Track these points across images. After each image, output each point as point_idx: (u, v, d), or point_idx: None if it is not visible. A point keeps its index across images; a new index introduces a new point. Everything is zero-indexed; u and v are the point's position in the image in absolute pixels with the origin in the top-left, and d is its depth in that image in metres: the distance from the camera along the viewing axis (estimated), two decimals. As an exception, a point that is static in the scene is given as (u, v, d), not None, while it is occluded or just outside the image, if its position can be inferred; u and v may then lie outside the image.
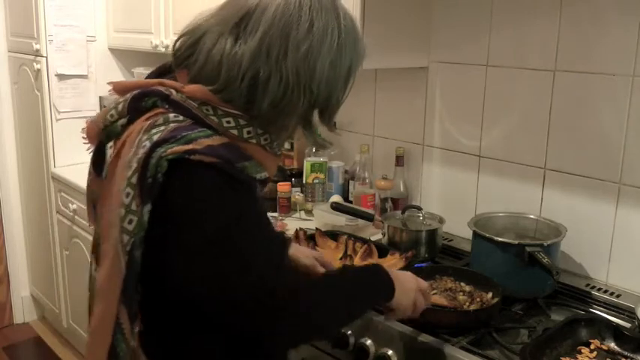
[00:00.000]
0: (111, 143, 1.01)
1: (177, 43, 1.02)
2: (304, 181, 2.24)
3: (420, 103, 2.05)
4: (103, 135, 1.02)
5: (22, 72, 2.96)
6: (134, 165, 0.90)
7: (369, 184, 2.12)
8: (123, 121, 0.99)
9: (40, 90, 2.82)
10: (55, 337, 3.21)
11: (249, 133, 0.96)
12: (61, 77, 2.82)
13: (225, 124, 0.95)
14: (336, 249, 1.73)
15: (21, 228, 3.30)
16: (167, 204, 0.90)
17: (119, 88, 1.04)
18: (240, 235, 0.91)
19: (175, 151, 0.88)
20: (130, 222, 0.90)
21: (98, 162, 1.04)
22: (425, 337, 1.32)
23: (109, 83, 1.07)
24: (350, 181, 2.25)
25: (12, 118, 3.15)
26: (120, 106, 1.00)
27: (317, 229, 1.84)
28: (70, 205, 2.75)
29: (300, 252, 1.39)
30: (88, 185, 1.09)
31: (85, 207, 2.67)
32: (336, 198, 2.17)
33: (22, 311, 3.36)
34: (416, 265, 1.63)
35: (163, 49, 2.53)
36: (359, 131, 2.30)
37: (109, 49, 2.96)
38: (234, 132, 0.95)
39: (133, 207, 0.89)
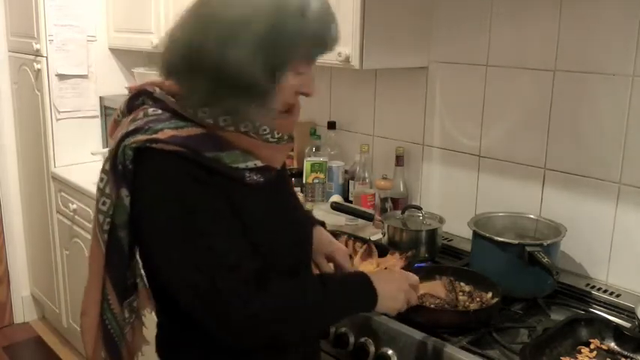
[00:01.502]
0: None
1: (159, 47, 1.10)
2: (304, 181, 2.24)
3: (420, 103, 2.05)
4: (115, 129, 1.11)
5: (22, 72, 2.96)
6: (107, 154, 1.01)
7: (369, 184, 2.12)
8: (125, 119, 1.07)
9: (40, 90, 2.82)
10: (55, 336, 3.21)
11: (225, 121, 0.99)
12: (62, 77, 2.82)
13: (201, 114, 0.99)
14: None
15: (21, 228, 3.30)
16: (137, 190, 0.99)
17: (132, 89, 1.11)
18: (192, 229, 0.94)
19: (138, 140, 0.96)
20: (104, 204, 1.01)
21: None
22: (425, 337, 1.32)
23: (126, 87, 1.16)
24: (350, 181, 2.25)
25: (12, 118, 3.15)
26: (122, 106, 1.09)
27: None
28: (70, 205, 2.75)
29: (317, 245, 1.30)
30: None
31: (85, 206, 2.67)
32: (336, 198, 2.17)
33: (23, 311, 3.36)
34: (416, 265, 1.63)
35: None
36: (359, 131, 2.30)
37: (110, 49, 2.96)
38: (210, 121, 0.99)
39: (107, 191, 1.00)
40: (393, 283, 1.15)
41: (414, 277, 1.21)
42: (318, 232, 1.31)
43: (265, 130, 1.02)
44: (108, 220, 1.01)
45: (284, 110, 1.04)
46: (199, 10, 0.98)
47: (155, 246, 0.99)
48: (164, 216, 0.96)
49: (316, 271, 1.33)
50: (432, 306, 1.40)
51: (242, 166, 1.00)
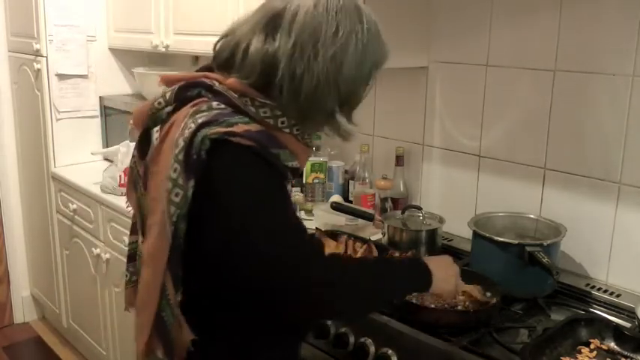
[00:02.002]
0: (157, 128, 1.10)
1: (217, 46, 1.12)
2: (304, 181, 2.24)
3: (420, 103, 2.05)
4: (150, 121, 1.11)
5: (22, 72, 2.96)
6: (181, 144, 0.99)
7: (369, 184, 2.12)
8: (169, 108, 1.08)
9: (40, 90, 2.83)
10: (55, 336, 3.21)
11: (282, 123, 1.06)
12: (61, 77, 2.82)
13: (262, 114, 1.04)
14: (336, 249, 1.73)
15: (21, 228, 3.30)
16: (208, 181, 0.98)
17: (167, 80, 1.13)
18: (271, 212, 0.99)
19: (217, 131, 0.98)
20: (177, 195, 0.99)
21: (143, 145, 1.13)
22: (425, 337, 1.32)
23: (159, 75, 1.17)
24: (350, 181, 2.25)
25: (12, 118, 3.16)
26: (167, 95, 1.09)
27: (317, 228, 1.84)
28: (70, 204, 2.75)
29: None
30: (132, 167, 1.18)
31: (85, 207, 2.68)
32: (336, 198, 2.17)
33: (23, 311, 3.37)
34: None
35: (163, 49, 2.53)
36: (359, 131, 2.29)
37: (109, 49, 2.96)
38: (270, 121, 1.05)
39: (180, 181, 0.99)
40: (444, 267, 1.22)
41: (457, 266, 1.28)
42: None
43: (309, 135, 1.12)
44: (178, 212, 0.99)
45: None
46: (304, 39, 1.03)
47: (225, 228, 0.99)
48: (235, 199, 0.98)
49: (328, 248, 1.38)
50: (433, 306, 1.40)
51: (289, 165, 1.05)
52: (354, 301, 1.06)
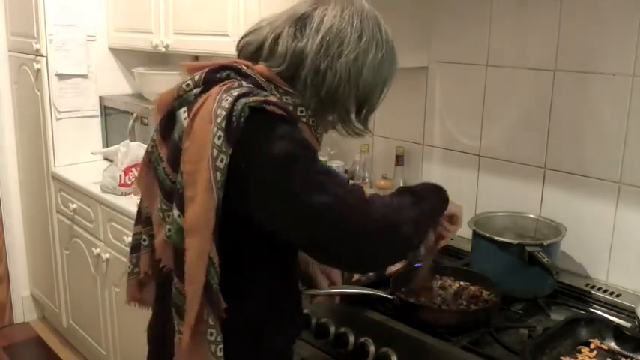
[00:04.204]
0: (184, 109, 1.11)
1: (243, 42, 1.17)
2: (304, 181, 2.24)
3: (420, 103, 2.05)
4: (177, 103, 1.13)
5: (22, 72, 2.96)
6: (222, 113, 1.02)
7: (369, 184, 2.12)
8: (197, 90, 1.11)
9: (40, 89, 2.83)
10: (55, 336, 3.21)
11: (301, 112, 1.11)
12: (61, 77, 2.82)
13: (284, 100, 1.10)
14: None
15: (21, 228, 3.30)
16: (246, 147, 1.01)
17: (190, 68, 1.17)
18: (310, 162, 1.04)
19: (257, 99, 1.02)
20: (222, 160, 1.01)
21: (168, 127, 1.15)
22: (425, 337, 1.32)
23: (181, 64, 1.21)
24: (350, 181, 2.25)
25: (12, 117, 3.16)
26: (196, 77, 1.12)
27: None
28: (70, 204, 2.75)
29: None
30: (150, 152, 1.20)
31: (85, 206, 2.67)
32: (336, 198, 2.17)
33: (23, 311, 3.37)
34: (416, 265, 1.63)
35: (163, 49, 2.53)
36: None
37: (109, 48, 2.96)
38: (290, 108, 1.10)
39: (224, 148, 1.01)
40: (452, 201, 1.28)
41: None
42: None
43: (321, 129, 1.16)
44: (223, 178, 1.01)
45: None
46: (331, 38, 1.10)
47: (273, 188, 1.01)
48: (279, 157, 1.01)
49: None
50: (434, 305, 1.41)
51: None
52: (417, 228, 1.12)
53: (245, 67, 1.12)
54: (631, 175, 1.57)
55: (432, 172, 2.06)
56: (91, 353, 2.88)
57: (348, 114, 1.17)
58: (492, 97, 1.85)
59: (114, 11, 2.87)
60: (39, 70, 2.78)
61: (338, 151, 2.32)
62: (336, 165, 2.26)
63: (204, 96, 1.07)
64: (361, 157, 2.15)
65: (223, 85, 1.07)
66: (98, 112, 2.98)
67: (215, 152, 1.01)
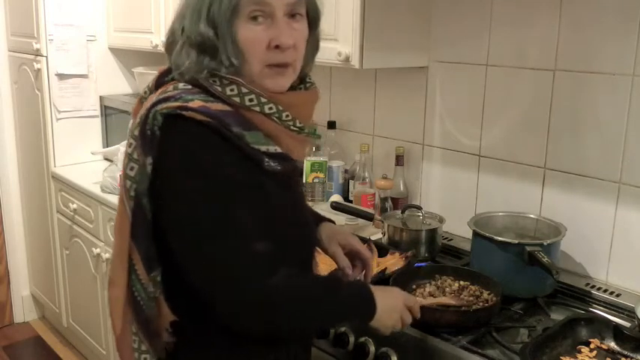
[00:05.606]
0: None
1: None
2: (304, 181, 2.24)
3: (420, 103, 2.05)
4: (140, 107, 1.11)
5: (22, 71, 2.96)
6: (137, 120, 1.01)
7: (368, 184, 2.12)
8: (151, 94, 1.09)
9: (40, 89, 2.83)
10: (55, 336, 3.21)
11: (251, 100, 1.01)
12: (61, 77, 2.82)
13: (229, 92, 1.01)
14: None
15: (21, 228, 3.30)
16: (163, 159, 0.98)
17: (159, 72, 1.14)
18: (215, 197, 0.97)
19: (169, 106, 0.98)
20: (132, 169, 1.01)
21: None
22: (425, 337, 1.33)
23: (158, 69, 1.18)
24: (350, 181, 2.25)
25: (12, 117, 3.15)
26: (150, 83, 1.12)
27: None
28: (70, 204, 2.75)
29: (331, 234, 1.29)
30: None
31: (85, 206, 2.67)
32: (336, 197, 2.17)
33: (23, 310, 3.37)
34: (416, 265, 1.64)
35: (163, 49, 2.52)
36: (359, 131, 2.30)
37: (109, 48, 2.96)
38: (237, 99, 1.01)
39: (135, 156, 1.00)
40: (391, 300, 1.16)
41: (411, 299, 1.21)
42: (329, 226, 1.31)
43: (288, 116, 1.04)
44: (135, 186, 1.00)
45: (266, 68, 1.03)
46: None
47: (175, 214, 0.99)
48: (187, 183, 0.97)
49: (323, 264, 1.34)
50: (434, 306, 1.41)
51: (263, 148, 1.02)
52: (289, 321, 1.03)
53: None
54: (631, 175, 1.57)
55: (432, 172, 2.06)
56: (91, 353, 2.88)
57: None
58: (492, 97, 1.85)
59: (114, 11, 2.87)
60: (39, 70, 2.78)
61: (338, 151, 2.32)
62: (336, 165, 2.27)
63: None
64: (361, 156, 2.15)
65: (161, 90, 1.05)
66: (98, 112, 2.98)
67: (126, 160, 1.02)
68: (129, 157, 1.01)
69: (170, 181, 0.98)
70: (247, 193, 1.00)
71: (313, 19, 1.10)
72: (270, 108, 1.02)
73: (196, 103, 0.98)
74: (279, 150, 1.04)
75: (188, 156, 0.97)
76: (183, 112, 0.97)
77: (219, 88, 1.01)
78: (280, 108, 1.03)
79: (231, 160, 0.99)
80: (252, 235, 0.99)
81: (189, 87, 1.03)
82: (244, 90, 1.01)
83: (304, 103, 1.11)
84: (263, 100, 1.02)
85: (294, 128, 1.06)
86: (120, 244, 1.05)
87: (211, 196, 0.97)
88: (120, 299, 1.06)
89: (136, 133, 1.00)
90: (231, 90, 1.01)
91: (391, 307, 1.15)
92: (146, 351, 1.08)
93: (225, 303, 0.99)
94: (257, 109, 1.02)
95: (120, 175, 2.46)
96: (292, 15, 1.04)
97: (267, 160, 1.02)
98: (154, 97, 1.03)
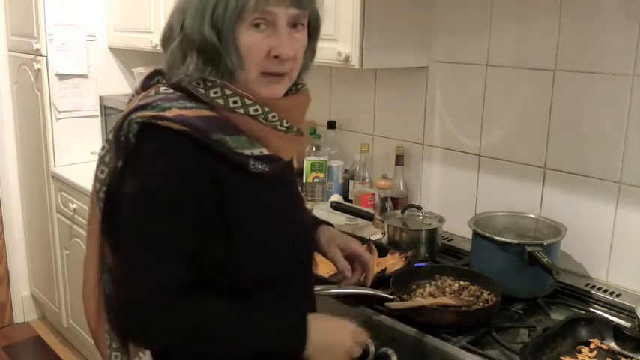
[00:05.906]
0: None
1: None
2: (304, 181, 2.25)
3: (420, 103, 2.05)
4: None
5: (22, 71, 2.96)
6: (113, 125, 1.02)
7: (368, 184, 2.12)
8: (136, 96, 1.10)
9: (40, 89, 2.82)
10: (55, 336, 3.21)
11: (235, 102, 1.00)
12: (62, 77, 2.82)
13: (212, 95, 1.00)
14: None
15: (21, 228, 3.30)
16: (129, 160, 0.99)
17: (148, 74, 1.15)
18: (148, 219, 0.95)
19: (144, 115, 0.97)
20: (102, 172, 1.04)
21: None
22: (425, 337, 1.33)
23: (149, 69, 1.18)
24: (350, 181, 2.25)
25: (12, 117, 3.15)
26: (137, 85, 1.13)
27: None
28: (70, 204, 2.75)
29: (330, 237, 1.28)
30: None
31: (85, 206, 2.67)
32: (336, 197, 2.17)
33: (23, 310, 3.36)
34: (416, 265, 1.64)
35: (159, 43, 2.52)
36: (359, 131, 2.30)
37: (109, 48, 2.96)
38: (220, 101, 1.00)
39: (106, 159, 1.03)
40: (336, 336, 1.05)
41: (362, 336, 1.10)
42: (328, 229, 1.30)
43: (274, 117, 1.03)
44: (104, 188, 1.03)
45: (261, 75, 1.02)
46: None
47: (118, 210, 1.01)
48: (132, 182, 0.97)
49: (322, 269, 1.33)
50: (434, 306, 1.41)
51: (247, 152, 1.00)
52: (182, 344, 0.98)
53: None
54: (631, 175, 1.57)
55: (432, 172, 2.06)
56: (91, 353, 2.88)
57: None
58: (492, 97, 1.85)
59: (114, 11, 2.87)
60: (39, 69, 2.78)
61: (338, 151, 2.32)
62: (336, 165, 2.27)
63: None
64: (361, 156, 2.15)
65: (144, 93, 1.05)
66: (98, 112, 2.97)
67: (97, 162, 1.05)
68: (100, 160, 1.04)
69: (124, 180, 1.00)
70: (191, 209, 0.96)
71: (314, 29, 1.09)
72: (256, 110, 1.01)
73: (173, 112, 0.96)
74: (265, 152, 1.02)
75: (148, 160, 0.97)
76: (159, 122, 0.96)
77: (203, 91, 1.00)
78: (266, 109, 1.01)
79: (197, 172, 0.96)
80: (169, 258, 0.94)
81: (171, 91, 1.02)
82: (228, 92, 1.00)
83: (297, 106, 1.10)
84: (248, 101, 1.00)
85: (281, 128, 1.04)
86: (92, 244, 1.08)
87: (145, 200, 0.95)
88: (92, 297, 1.10)
89: (110, 137, 1.02)
90: (215, 92, 1.00)
91: (333, 343, 1.04)
92: (117, 348, 1.11)
93: (121, 311, 0.99)
94: (241, 110, 1.00)
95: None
96: (294, 25, 1.03)
97: (252, 162, 1.01)
98: (135, 101, 1.03)
